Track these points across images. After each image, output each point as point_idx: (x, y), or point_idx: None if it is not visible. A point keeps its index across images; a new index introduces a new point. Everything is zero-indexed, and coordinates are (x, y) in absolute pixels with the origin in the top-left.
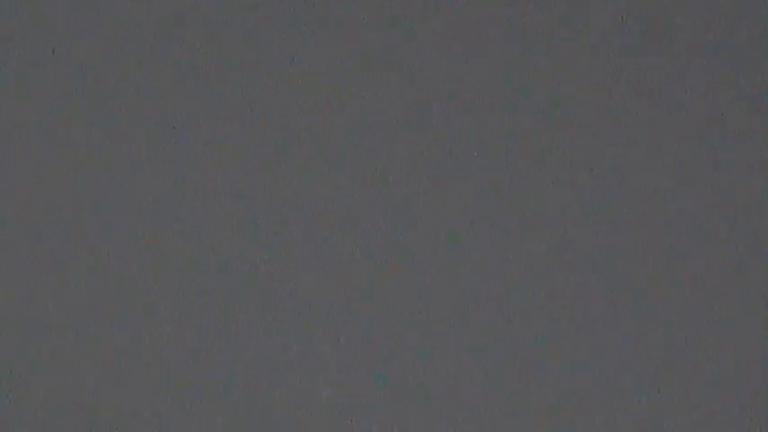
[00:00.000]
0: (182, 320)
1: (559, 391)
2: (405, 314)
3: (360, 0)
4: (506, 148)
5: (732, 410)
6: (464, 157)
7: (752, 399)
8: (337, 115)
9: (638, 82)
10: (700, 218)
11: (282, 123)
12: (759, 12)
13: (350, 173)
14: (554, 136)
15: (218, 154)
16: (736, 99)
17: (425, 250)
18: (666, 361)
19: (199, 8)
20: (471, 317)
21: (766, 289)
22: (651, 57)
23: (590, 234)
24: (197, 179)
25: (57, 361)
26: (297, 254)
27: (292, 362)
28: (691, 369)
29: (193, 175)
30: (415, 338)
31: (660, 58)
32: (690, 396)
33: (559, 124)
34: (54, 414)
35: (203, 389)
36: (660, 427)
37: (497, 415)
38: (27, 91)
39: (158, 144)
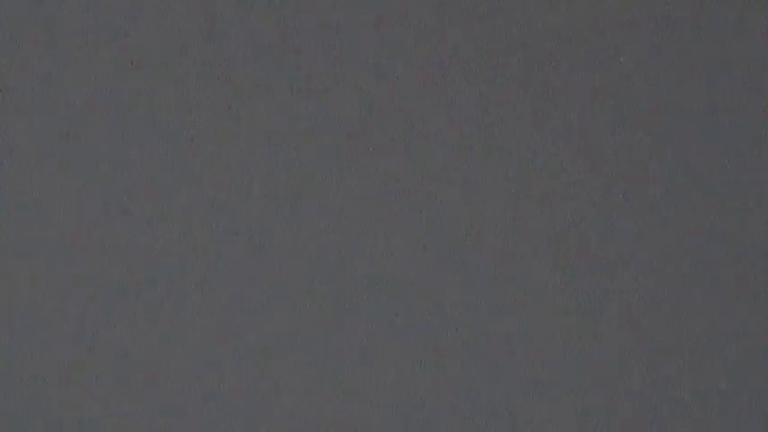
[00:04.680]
0: (178, 320)
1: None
2: (404, 316)
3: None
4: (507, 148)
5: (732, 411)
6: (461, 157)
7: (752, 399)
8: (336, 114)
9: (639, 83)
10: (699, 218)
11: (282, 123)
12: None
13: (346, 171)
14: (554, 140)
15: (219, 153)
16: (736, 99)
17: (425, 254)
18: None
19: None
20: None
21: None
22: (652, 57)
23: (588, 234)
24: (198, 178)
25: (49, 362)
26: (294, 254)
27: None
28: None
29: (194, 173)
30: (417, 341)
31: (661, 58)
32: (689, 397)
33: (558, 128)
34: (50, 416)
35: (199, 390)
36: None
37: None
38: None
39: (153, 144)
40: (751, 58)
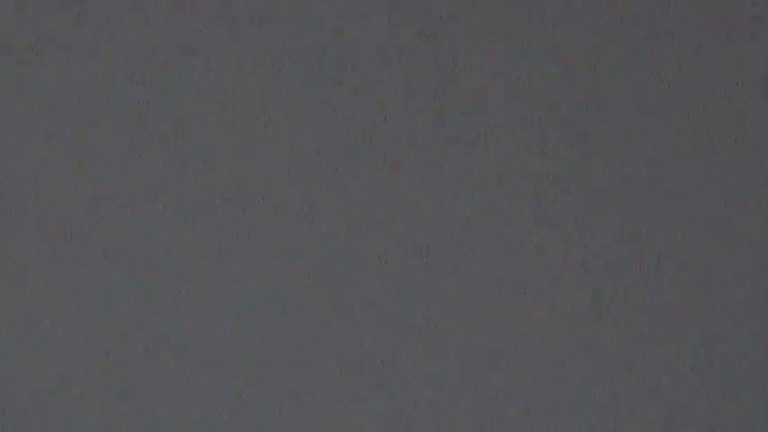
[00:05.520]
0: (178, 321)
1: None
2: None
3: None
4: (506, 147)
5: (733, 411)
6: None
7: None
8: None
9: (638, 82)
10: (700, 217)
11: (279, 122)
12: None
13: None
14: (554, 140)
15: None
16: (736, 98)
17: (429, 254)
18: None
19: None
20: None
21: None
22: (652, 55)
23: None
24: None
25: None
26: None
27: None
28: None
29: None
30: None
31: (661, 56)
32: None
33: (557, 126)
34: (48, 413)
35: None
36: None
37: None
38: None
39: (150, 145)
40: (751, 55)
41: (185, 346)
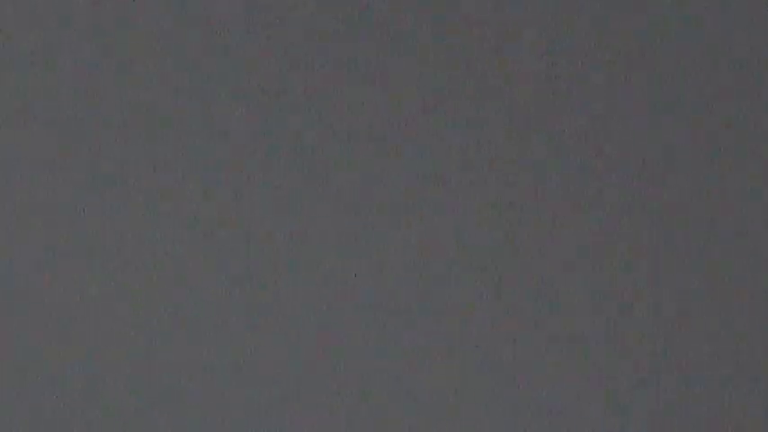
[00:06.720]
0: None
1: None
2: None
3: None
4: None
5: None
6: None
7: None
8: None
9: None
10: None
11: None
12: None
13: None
14: (552, 148)
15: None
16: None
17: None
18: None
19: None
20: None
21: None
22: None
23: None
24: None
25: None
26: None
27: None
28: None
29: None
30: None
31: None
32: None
33: (556, 132)
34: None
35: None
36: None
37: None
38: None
39: (148, 146)
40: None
41: (182, 347)
